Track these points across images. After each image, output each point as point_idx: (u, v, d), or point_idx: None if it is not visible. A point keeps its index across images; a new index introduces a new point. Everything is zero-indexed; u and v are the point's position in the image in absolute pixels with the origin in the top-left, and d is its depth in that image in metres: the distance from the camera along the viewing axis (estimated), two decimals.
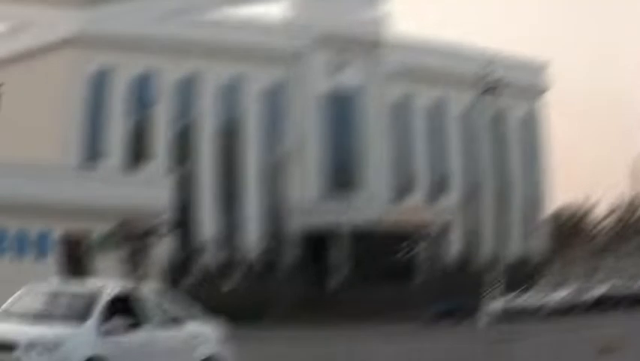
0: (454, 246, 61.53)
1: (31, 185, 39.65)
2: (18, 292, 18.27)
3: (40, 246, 39.80)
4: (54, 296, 17.78)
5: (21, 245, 39.46)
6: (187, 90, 55.85)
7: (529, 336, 36.09)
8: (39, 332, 16.25)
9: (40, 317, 17.09)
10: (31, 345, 15.88)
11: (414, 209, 59.31)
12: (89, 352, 16.18)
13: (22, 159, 44.15)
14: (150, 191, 42.77)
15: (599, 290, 54.20)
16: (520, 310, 51.31)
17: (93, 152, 52.41)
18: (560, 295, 52.65)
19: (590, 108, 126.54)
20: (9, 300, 18.07)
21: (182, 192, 46.08)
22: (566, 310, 51.26)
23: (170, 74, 54.80)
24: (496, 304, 48.91)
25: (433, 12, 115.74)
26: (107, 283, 17.63)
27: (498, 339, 35.46)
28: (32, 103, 52.70)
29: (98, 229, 41.28)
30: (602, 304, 52.91)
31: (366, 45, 60.64)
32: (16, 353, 16.01)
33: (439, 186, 63.64)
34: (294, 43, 58.46)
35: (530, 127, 68.43)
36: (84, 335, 16.43)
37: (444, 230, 60.62)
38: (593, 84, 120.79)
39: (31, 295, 18.26)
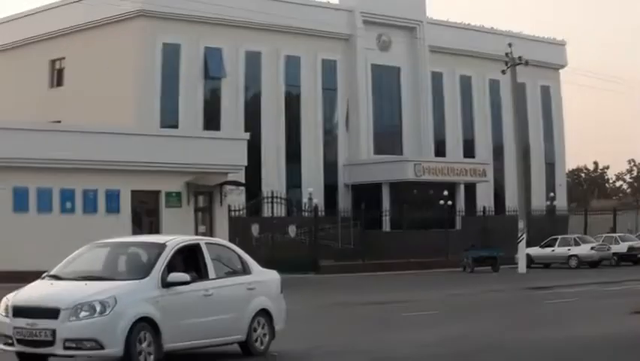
0: (485, 199, 58.34)
1: (104, 147, 35.82)
2: (79, 250, 14.83)
3: (111, 204, 36.19)
4: (116, 253, 14.50)
5: (92, 203, 35.76)
6: (255, 63, 52.79)
7: (561, 286, 31.99)
8: (89, 293, 12.92)
9: (98, 275, 13.93)
10: (77, 308, 12.58)
11: (449, 166, 56.59)
12: (141, 310, 13.03)
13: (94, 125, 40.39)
14: (223, 152, 39.15)
15: (621, 245, 47.51)
16: (548, 262, 46.75)
17: (166, 120, 48.80)
18: (584, 249, 46.17)
19: (604, 82, 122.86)
20: (67, 258, 14.63)
21: (251, 153, 42.19)
22: (592, 264, 45.63)
23: (239, 48, 51.90)
24: (527, 253, 44.23)
25: None
26: (172, 237, 14.45)
27: (536, 286, 31.88)
28: (103, 72, 48.84)
29: (171, 187, 37.79)
30: (624, 259, 46.86)
31: (408, 25, 58.53)
32: (59, 319, 12.64)
33: (469, 148, 61.27)
34: (346, 24, 56.07)
35: (549, 98, 65.67)
36: (141, 291, 13.21)
37: (476, 184, 58.53)
38: (608, 61, 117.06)
39: (92, 253, 14.79)
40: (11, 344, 13.14)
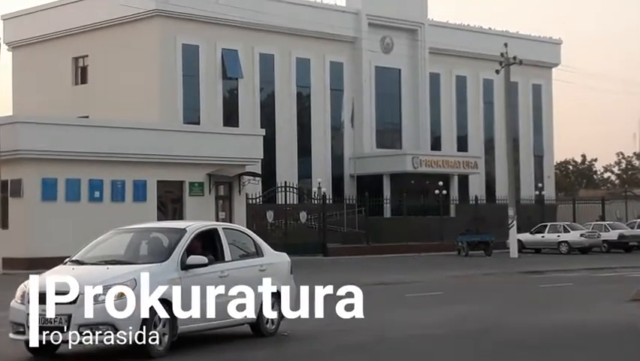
0: (477, 189, 57.50)
1: (132, 142, 35.00)
2: (102, 236, 13.65)
3: (138, 193, 35.23)
4: (138, 238, 13.30)
5: (120, 192, 34.75)
6: (269, 65, 51.88)
7: (555, 271, 30.60)
8: (110, 277, 11.79)
9: (120, 259, 12.74)
10: (97, 294, 11.42)
11: (443, 159, 56.01)
12: (160, 292, 12.10)
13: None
14: (241, 146, 38.72)
15: (611, 233, 44.93)
16: (539, 247, 45.12)
17: (189, 117, 47.95)
18: (573, 235, 44.08)
19: (598, 80, 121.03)
20: (90, 244, 13.44)
21: (266, 147, 41.73)
22: (582, 250, 43.64)
23: (253, 50, 51.00)
24: (518, 239, 42.71)
25: None
26: (192, 223, 13.83)
27: (530, 270, 30.67)
28: (126, 71, 47.71)
29: (194, 177, 37.15)
30: (615, 246, 44.60)
31: (410, 27, 57.63)
32: (77, 304, 11.50)
33: (462, 143, 60.51)
34: (352, 26, 55.11)
35: (540, 95, 64.42)
36: (161, 273, 12.17)
37: (468, 175, 57.84)
38: (601, 59, 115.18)
39: (114, 238, 13.60)
40: (22, 333, 11.92)
